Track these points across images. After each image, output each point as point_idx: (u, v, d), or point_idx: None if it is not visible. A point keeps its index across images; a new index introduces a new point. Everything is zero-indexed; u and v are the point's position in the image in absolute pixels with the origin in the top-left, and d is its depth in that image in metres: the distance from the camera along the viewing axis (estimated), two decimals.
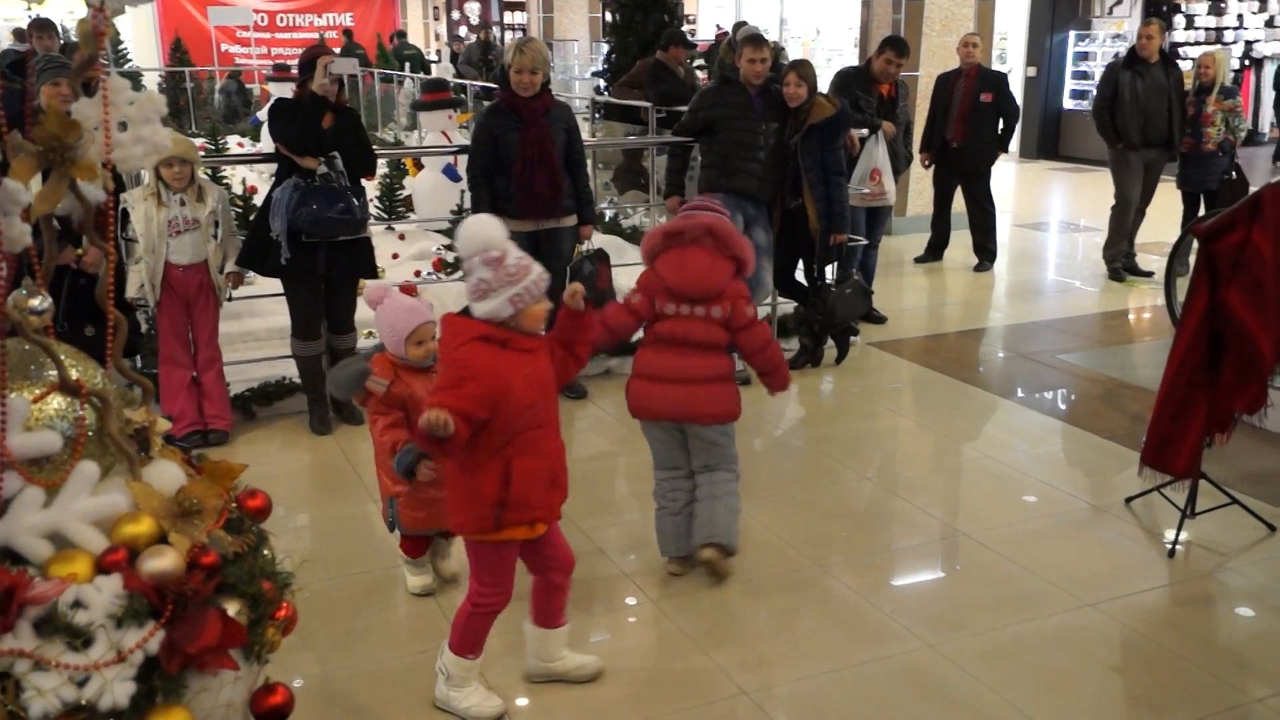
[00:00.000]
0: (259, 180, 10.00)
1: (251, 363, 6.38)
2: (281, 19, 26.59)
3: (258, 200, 7.04)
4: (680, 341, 4.20)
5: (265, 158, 6.08)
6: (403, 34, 24.89)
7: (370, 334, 6.98)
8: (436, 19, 30.50)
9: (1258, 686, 3.71)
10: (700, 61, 14.46)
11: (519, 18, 27.96)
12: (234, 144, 15.25)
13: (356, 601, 4.26)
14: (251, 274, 6.00)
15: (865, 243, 7.83)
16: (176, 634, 2.15)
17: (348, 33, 23.08)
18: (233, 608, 2.28)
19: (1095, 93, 9.77)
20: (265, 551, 2.46)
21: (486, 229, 3.25)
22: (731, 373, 4.31)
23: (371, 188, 10.06)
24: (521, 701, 3.63)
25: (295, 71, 6.48)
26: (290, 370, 6.11)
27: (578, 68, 22.02)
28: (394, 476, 3.98)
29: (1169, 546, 4.63)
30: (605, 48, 13.54)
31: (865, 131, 7.75)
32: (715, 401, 4.23)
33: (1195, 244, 4.70)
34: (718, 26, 21.33)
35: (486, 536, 3.34)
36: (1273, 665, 3.83)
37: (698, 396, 4.18)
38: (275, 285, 5.87)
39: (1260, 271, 4.35)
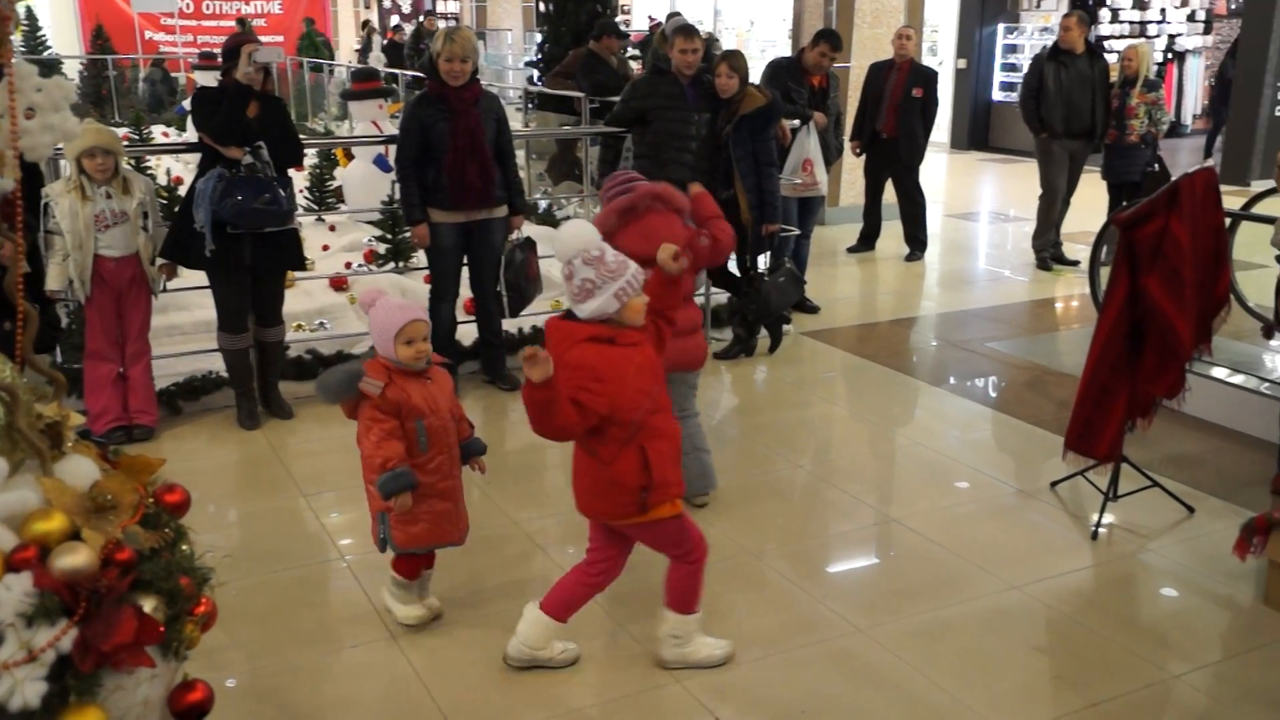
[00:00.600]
0: (185, 171, 9.84)
1: (177, 356, 6.28)
2: (207, 5, 26.10)
3: (184, 191, 6.93)
4: None
5: (189, 147, 5.98)
6: (311, 20, 24.36)
7: (300, 326, 6.93)
8: (368, 7, 30.21)
9: (1177, 663, 3.78)
10: (634, 52, 14.45)
11: (452, 6, 27.79)
12: (159, 134, 14.98)
13: (287, 597, 4.21)
14: (182, 266, 5.90)
15: (797, 233, 7.87)
16: (90, 632, 2.11)
17: (241, 21, 22.52)
18: (149, 604, 2.24)
19: (1021, 83, 9.89)
20: (184, 547, 2.42)
21: (582, 230, 3.41)
22: (700, 323, 4.74)
23: (301, 178, 9.95)
24: (443, 694, 3.62)
25: (220, 59, 6.36)
26: (217, 364, 6.02)
27: (511, 57, 21.95)
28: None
29: (1092, 529, 4.71)
30: (538, 37, 13.49)
31: (797, 122, 7.79)
32: (692, 351, 4.63)
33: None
34: (650, 17, 21.33)
35: (629, 520, 3.50)
36: (1191, 643, 3.92)
37: (676, 349, 4.19)
38: (202, 278, 5.78)
39: (1178, 260, 4.43)
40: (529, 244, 6.24)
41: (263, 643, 3.89)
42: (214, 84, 5.74)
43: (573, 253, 3.36)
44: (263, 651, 3.83)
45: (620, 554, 3.70)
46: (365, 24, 26.12)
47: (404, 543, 3.82)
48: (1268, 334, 4.99)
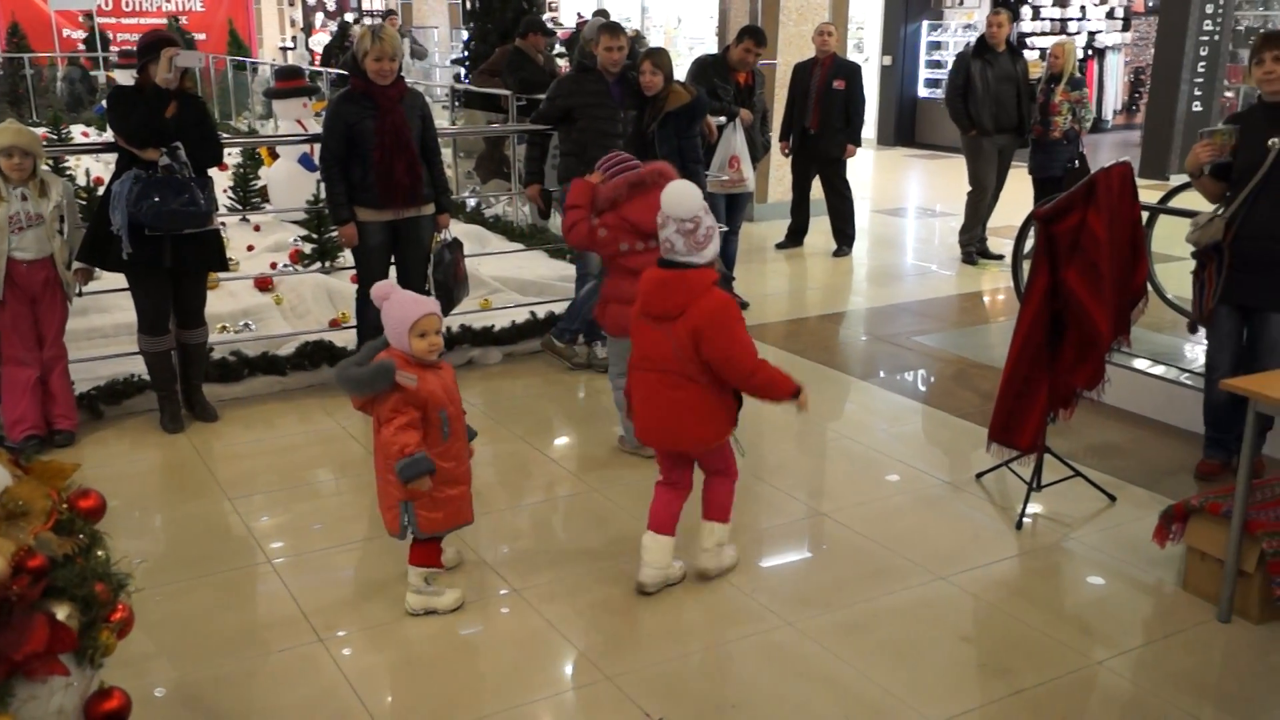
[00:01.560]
0: (105, 171, 9.67)
1: (98, 360, 6.17)
2: (127, 3, 25.62)
3: (104, 192, 6.80)
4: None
5: (107, 147, 5.87)
6: (175, 19, 23.87)
7: (224, 327, 6.84)
8: (291, 4, 29.86)
9: (1099, 649, 3.84)
10: (562, 49, 14.43)
11: (377, 3, 27.54)
12: (78, 133, 14.71)
13: (213, 603, 4.15)
14: (99, 269, 5.80)
15: (725, 229, 7.89)
16: (1, 640, 2.07)
17: (173, 20, 22.18)
18: (62, 611, 2.20)
19: (947, 81, 10.00)
20: (99, 552, 2.37)
21: (690, 195, 3.96)
22: None
23: (225, 178, 9.85)
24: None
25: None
26: (139, 367, 5.91)
27: (437, 55, 21.80)
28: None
29: (1017, 519, 4.77)
30: (465, 35, 13.42)
31: (723, 119, 7.81)
32: None
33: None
34: (579, 15, 21.31)
35: (725, 437, 4.10)
36: (1113, 629, 3.99)
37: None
38: (122, 280, 5.67)
39: (1096, 253, 4.51)
40: (456, 245, 6.21)
41: (188, 649, 3.82)
42: (131, 82, 5.64)
43: (681, 211, 3.91)
44: (188, 658, 3.77)
45: (689, 472, 4.25)
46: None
47: (427, 528, 3.95)
48: (1192, 328, 5.09)
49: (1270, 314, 4.79)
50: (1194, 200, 6.08)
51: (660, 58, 6.59)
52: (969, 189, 9.87)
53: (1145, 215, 5.71)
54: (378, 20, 25.25)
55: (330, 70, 15.20)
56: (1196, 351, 6.87)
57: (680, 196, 3.92)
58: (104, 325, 6.72)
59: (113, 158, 5.54)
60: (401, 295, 3.92)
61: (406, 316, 3.82)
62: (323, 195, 7.62)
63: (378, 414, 3.86)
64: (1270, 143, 4.64)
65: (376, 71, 5.80)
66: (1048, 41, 18.09)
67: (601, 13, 12.82)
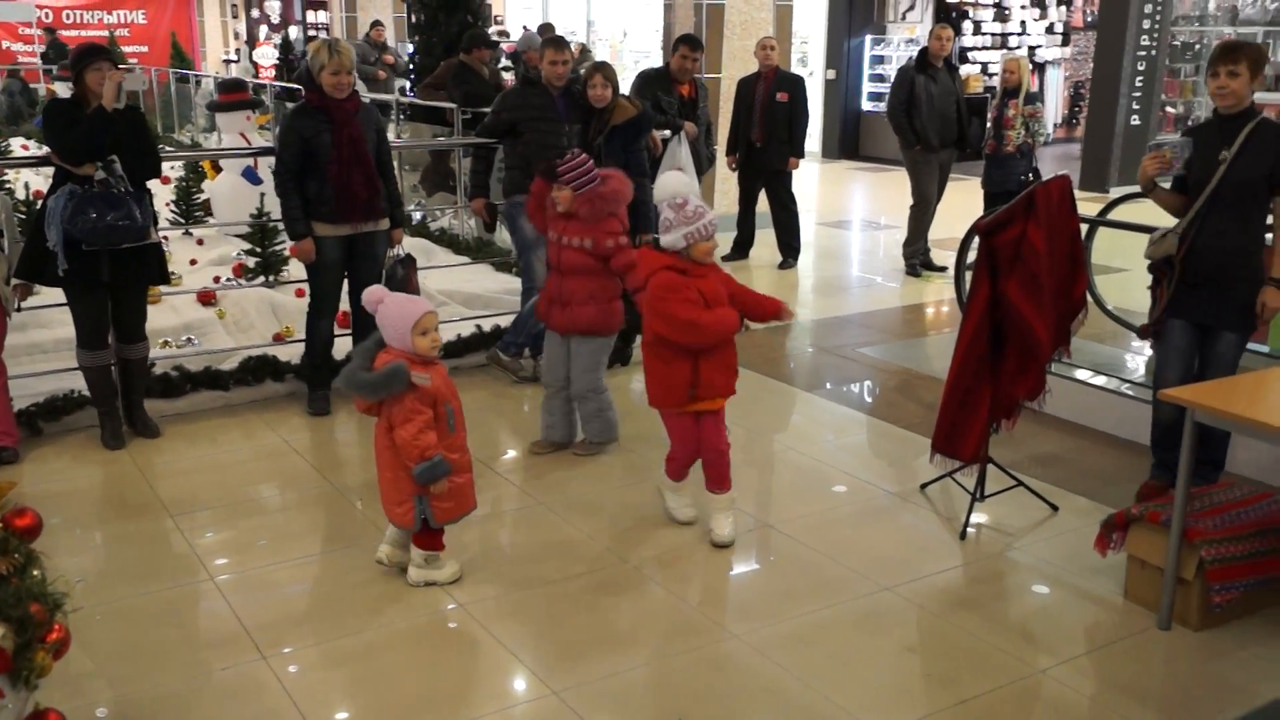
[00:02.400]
0: (45, 184, 9.51)
1: (38, 376, 6.07)
2: (68, 15, 25.33)
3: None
4: None
5: (42, 160, 5.78)
6: (52, 30, 23.45)
7: (166, 342, 6.76)
8: (235, 17, 29.60)
9: (1042, 658, 3.88)
10: (507, 63, 14.41)
11: (321, 17, 27.36)
12: (18, 146, 14.48)
13: (154, 620, 4.09)
14: (38, 284, 5.70)
15: None
16: None
17: (111, 39, 21.69)
18: None
19: (889, 96, 10.09)
20: (35, 572, 2.33)
21: (676, 182, 4.62)
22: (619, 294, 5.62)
23: (168, 191, 9.74)
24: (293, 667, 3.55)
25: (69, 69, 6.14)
26: (79, 383, 5.81)
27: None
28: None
29: (961, 529, 4.81)
30: (410, 48, 13.37)
31: (668, 133, 7.84)
32: (615, 316, 5.65)
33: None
34: (525, 28, 21.29)
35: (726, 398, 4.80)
36: (1056, 637, 4.03)
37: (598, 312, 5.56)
38: (62, 294, 5.58)
39: (1036, 264, 4.56)
40: (409, 261, 6.18)
41: (129, 669, 3.76)
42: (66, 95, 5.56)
43: (662, 197, 4.49)
44: (129, 678, 3.71)
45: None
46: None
47: (443, 518, 4.21)
48: (1143, 334, 5.12)
49: (1219, 330, 4.75)
50: (1133, 213, 6.20)
51: (610, 71, 6.61)
52: (912, 202, 9.96)
53: (1085, 228, 5.78)
54: (322, 33, 25.11)
55: (275, 83, 15.08)
56: (1137, 361, 6.98)
57: (667, 182, 4.66)
58: (43, 340, 6.62)
59: (52, 170, 5.46)
60: (397, 297, 4.11)
61: (408, 316, 4.01)
62: (266, 209, 7.58)
63: (388, 414, 4.05)
64: (1221, 156, 4.62)
65: (333, 85, 5.77)
66: (988, 56, 18.36)
67: (547, 27, 12.84)
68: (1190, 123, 13.48)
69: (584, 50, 11.99)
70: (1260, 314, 4.67)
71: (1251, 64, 4.56)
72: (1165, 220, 5.00)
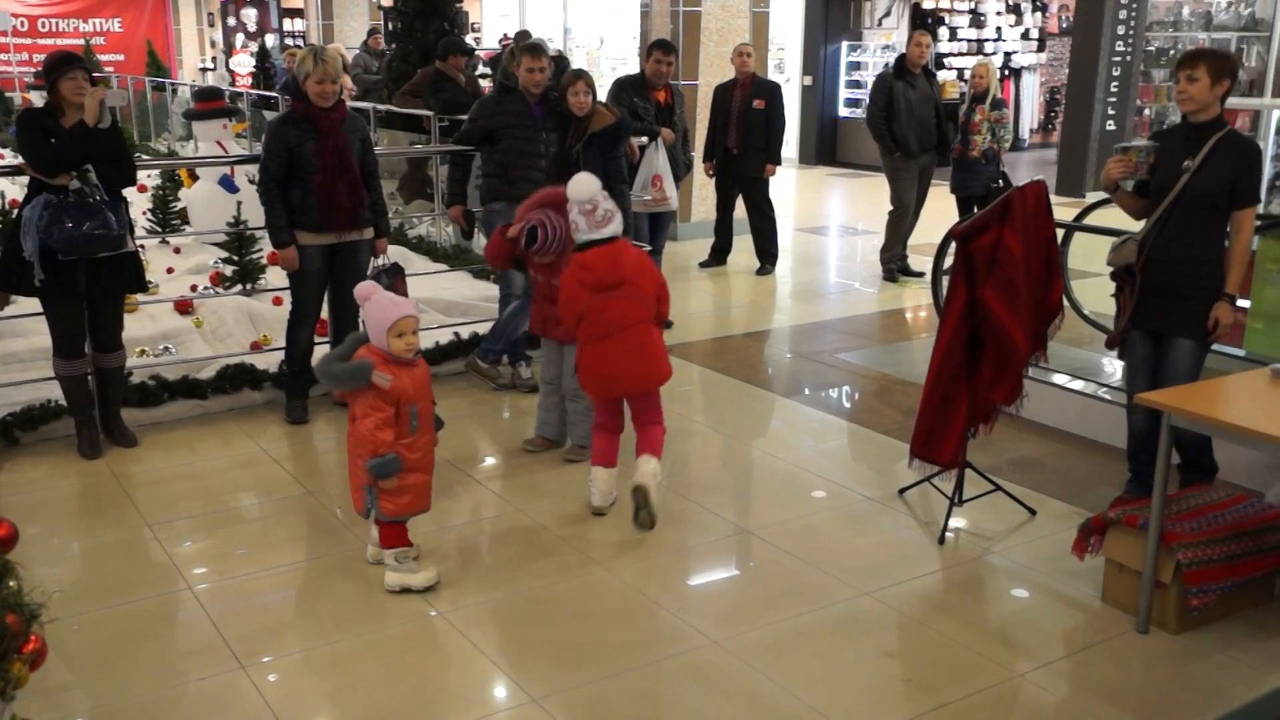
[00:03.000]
0: (20, 193, 9.45)
1: (14, 385, 6.03)
2: (43, 24, 25.15)
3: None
4: None
5: (16, 170, 5.75)
6: (89, 41, 23.39)
7: (144, 351, 6.72)
8: (211, 25, 29.49)
9: (1021, 662, 3.90)
10: (485, 70, 14.40)
11: (298, 24, 27.30)
12: None
13: (132, 631, 4.06)
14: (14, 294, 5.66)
15: (649, 248, 7.90)
16: None
17: (87, 50, 21.45)
18: None
19: (869, 102, 10.12)
20: (10, 583, 2.32)
21: (589, 186, 4.82)
22: None
23: (145, 200, 9.69)
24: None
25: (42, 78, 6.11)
26: (56, 392, 5.78)
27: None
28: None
29: (939, 534, 4.83)
30: (386, 55, 13.35)
31: (645, 139, 7.85)
32: None
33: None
34: (505, 35, 21.28)
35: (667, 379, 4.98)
36: (1035, 641, 4.04)
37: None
38: (38, 304, 5.54)
39: (1012, 269, 4.58)
40: (396, 270, 6.15)
41: (107, 679, 3.74)
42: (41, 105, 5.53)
43: (576, 197, 4.79)
44: (107, 688, 3.69)
45: (622, 416, 5.07)
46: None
47: (392, 512, 4.26)
48: (1110, 344, 5.13)
49: (1176, 338, 4.75)
50: (1109, 218, 6.22)
51: (590, 79, 6.61)
52: (890, 208, 10.00)
53: (1061, 233, 5.80)
54: (299, 41, 25.02)
55: (252, 92, 15.03)
56: (1114, 365, 7.00)
57: (579, 184, 4.83)
58: (19, 350, 6.58)
59: (27, 179, 5.43)
60: (382, 296, 4.23)
61: (386, 318, 4.15)
62: (243, 217, 7.55)
63: (354, 406, 4.19)
64: (1185, 165, 4.62)
65: (318, 94, 5.77)
66: (965, 62, 18.45)
67: (523, 34, 12.84)
68: (1165, 125, 13.58)
69: (560, 57, 11.99)
70: (1212, 329, 4.66)
71: (1211, 69, 4.54)
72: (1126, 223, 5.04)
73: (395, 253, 8.67)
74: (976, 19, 19.33)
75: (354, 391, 4.18)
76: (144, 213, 9.23)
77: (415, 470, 4.26)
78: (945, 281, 6.33)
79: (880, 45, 18.13)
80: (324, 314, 6.37)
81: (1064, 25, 19.65)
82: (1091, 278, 7.62)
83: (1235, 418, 3.82)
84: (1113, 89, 14.45)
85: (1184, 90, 4.60)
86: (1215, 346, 4.95)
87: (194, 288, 7.87)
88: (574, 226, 4.79)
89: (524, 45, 6.73)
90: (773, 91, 9.80)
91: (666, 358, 4.96)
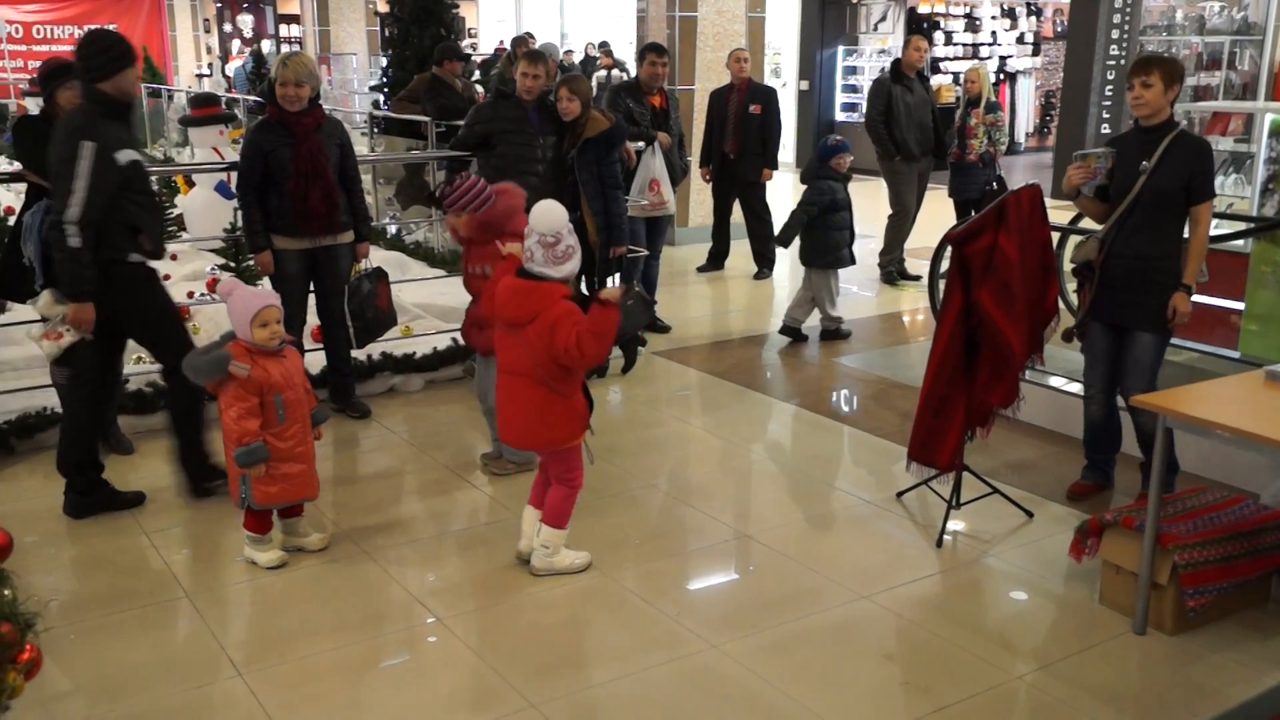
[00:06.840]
0: (17, 200, 9.46)
1: (9, 393, 6.02)
2: (38, 30, 25.13)
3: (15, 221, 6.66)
4: None
5: (14, 177, 5.75)
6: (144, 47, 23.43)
7: (140, 359, 6.71)
8: (208, 31, 29.50)
9: (1019, 664, 3.90)
10: (480, 75, 14.42)
11: (295, 31, 27.32)
12: None
13: (128, 638, 4.06)
14: (11, 301, 5.66)
15: (646, 253, 7.92)
16: None
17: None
18: None
19: (867, 107, 10.13)
20: (5, 592, 2.31)
21: (554, 217, 4.25)
22: None
23: None
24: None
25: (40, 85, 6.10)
26: (52, 400, 5.77)
27: (356, 81, 21.67)
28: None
29: (937, 537, 4.83)
30: (383, 61, 13.37)
31: (641, 144, 7.85)
32: None
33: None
34: (500, 41, 21.31)
35: (574, 441, 4.38)
36: (1032, 643, 4.05)
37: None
38: (33, 312, 5.53)
39: (1008, 273, 4.60)
40: (379, 274, 6.16)
41: (104, 688, 3.73)
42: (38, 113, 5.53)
43: (539, 227, 4.20)
44: (104, 697, 3.68)
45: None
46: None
47: (263, 500, 4.43)
48: (1067, 337, 5.21)
49: (1136, 332, 4.91)
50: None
51: (577, 85, 6.61)
52: (890, 212, 10.00)
53: (1056, 236, 5.81)
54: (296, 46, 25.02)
55: (248, 98, 15.04)
56: None
57: (546, 212, 4.25)
58: (14, 358, 6.58)
59: (23, 186, 5.43)
60: (244, 290, 4.41)
61: (248, 309, 4.30)
62: (239, 223, 7.55)
63: (220, 398, 4.36)
64: (1141, 166, 4.78)
65: (283, 96, 5.80)
66: (960, 66, 18.47)
67: (521, 39, 12.86)
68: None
69: (559, 63, 12.01)
70: (1171, 318, 4.82)
71: (1165, 75, 4.73)
72: None
73: (393, 258, 8.70)
74: (971, 23, 19.36)
75: (220, 384, 4.31)
76: None
77: (287, 459, 4.40)
78: (942, 285, 6.35)
79: (876, 50, 18.14)
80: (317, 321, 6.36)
81: (1059, 29, 19.68)
82: None
83: (1231, 420, 3.83)
84: (1107, 93, 14.46)
85: (1139, 96, 4.79)
86: (1213, 349, 4.99)
87: (190, 294, 7.86)
88: (528, 255, 4.23)
89: (523, 52, 6.74)
90: (768, 97, 9.81)
91: (554, 424, 4.33)
